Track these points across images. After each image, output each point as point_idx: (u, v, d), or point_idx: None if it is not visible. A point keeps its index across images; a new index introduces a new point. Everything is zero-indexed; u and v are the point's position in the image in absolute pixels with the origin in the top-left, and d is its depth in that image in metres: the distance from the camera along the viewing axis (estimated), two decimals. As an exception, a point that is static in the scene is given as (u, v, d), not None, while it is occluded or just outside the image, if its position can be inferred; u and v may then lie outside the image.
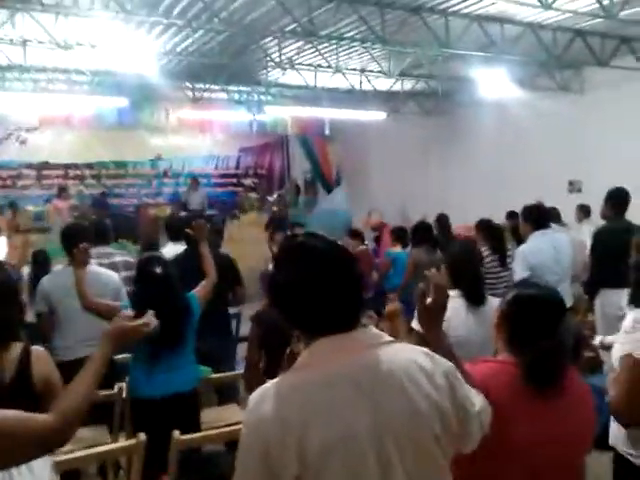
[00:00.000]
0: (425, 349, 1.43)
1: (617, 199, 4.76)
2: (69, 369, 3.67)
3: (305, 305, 1.34)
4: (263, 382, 1.38)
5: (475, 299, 2.87)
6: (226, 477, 2.77)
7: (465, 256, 3.10)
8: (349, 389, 1.28)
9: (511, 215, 6.86)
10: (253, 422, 1.30)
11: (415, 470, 1.29)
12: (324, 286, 1.33)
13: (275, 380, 1.35)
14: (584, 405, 1.78)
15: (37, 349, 2.18)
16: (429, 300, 1.60)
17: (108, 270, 4.20)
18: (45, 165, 13.20)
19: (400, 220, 9.91)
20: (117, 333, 1.77)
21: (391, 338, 1.39)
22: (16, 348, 2.03)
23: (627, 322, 2.11)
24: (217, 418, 3.47)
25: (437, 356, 1.41)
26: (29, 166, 13.08)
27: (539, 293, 1.83)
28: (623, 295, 3.95)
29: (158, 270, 3.25)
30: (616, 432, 2.17)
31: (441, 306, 1.62)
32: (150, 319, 1.84)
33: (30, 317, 4.48)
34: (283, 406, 1.27)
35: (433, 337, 1.60)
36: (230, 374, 3.93)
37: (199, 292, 3.49)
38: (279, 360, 3.13)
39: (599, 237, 4.86)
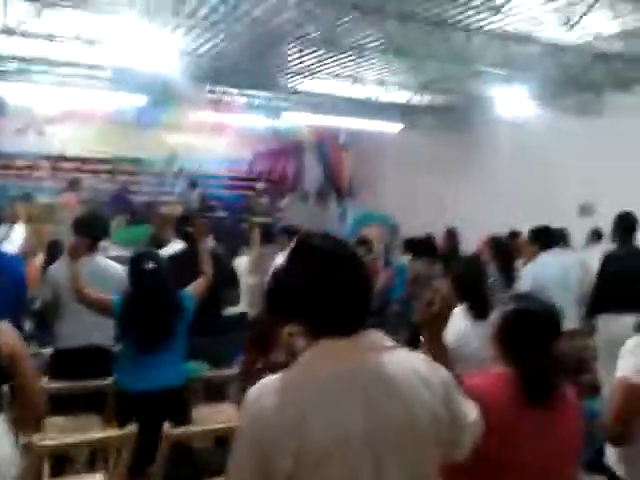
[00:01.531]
0: (425, 356, 1.45)
1: (625, 224, 4.72)
2: (72, 357, 3.75)
3: (312, 305, 1.35)
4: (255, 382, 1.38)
5: (481, 312, 2.87)
6: (214, 473, 2.78)
7: (469, 270, 3.11)
8: (348, 391, 1.29)
9: (512, 235, 6.84)
10: (251, 415, 1.31)
11: (408, 474, 1.30)
12: (333, 288, 1.33)
13: (275, 376, 1.35)
14: (574, 420, 1.81)
15: (1, 324, 2.17)
16: (433, 309, 1.62)
17: (114, 263, 4.22)
18: (61, 158, 13.34)
19: (411, 233, 9.89)
20: None
21: (393, 343, 1.40)
22: None
23: (628, 345, 2.11)
24: (208, 416, 3.48)
25: (436, 364, 1.43)
26: (45, 157, 13.22)
27: (535, 307, 1.84)
28: (626, 320, 3.94)
29: (149, 266, 3.25)
30: (610, 452, 2.16)
31: (444, 316, 1.65)
32: None
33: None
34: (282, 402, 1.27)
35: (434, 346, 1.61)
36: (223, 373, 3.94)
37: (193, 289, 3.48)
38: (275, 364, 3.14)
39: (606, 262, 4.83)
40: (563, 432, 1.74)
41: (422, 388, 1.34)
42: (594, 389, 4.54)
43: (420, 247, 5.90)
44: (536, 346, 1.77)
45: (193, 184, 13.32)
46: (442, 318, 1.64)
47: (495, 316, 1.93)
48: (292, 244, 1.45)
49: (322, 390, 1.29)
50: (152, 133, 13.43)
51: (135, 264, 3.33)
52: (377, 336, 1.40)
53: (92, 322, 3.75)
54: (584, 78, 8.30)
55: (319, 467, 1.24)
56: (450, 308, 1.67)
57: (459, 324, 2.78)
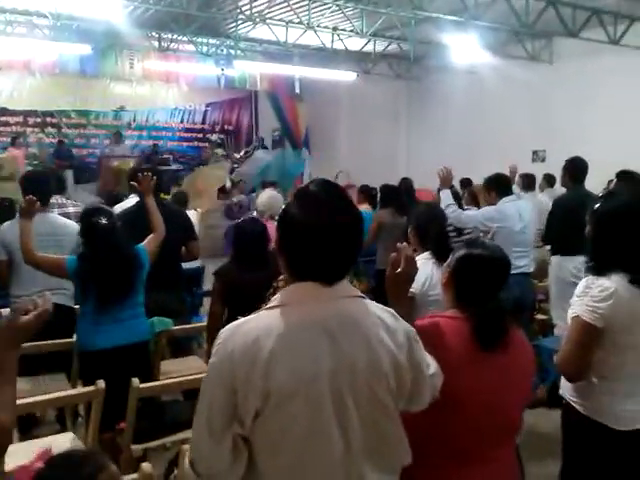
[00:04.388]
0: (391, 309, 1.49)
1: (575, 168, 4.85)
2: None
3: (299, 246, 1.38)
4: None
5: (444, 256, 2.90)
6: (182, 424, 2.84)
7: (430, 216, 3.15)
8: (317, 333, 1.34)
9: (465, 183, 6.97)
10: (222, 354, 1.35)
11: (368, 416, 1.37)
12: (323, 232, 1.35)
13: (248, 317, 1.39)
14: (525, 363, 1.88)
15: None
16: (399, 270, 1.66)
17: (68, 220, 4.11)
18: (4, 111, 12.73)
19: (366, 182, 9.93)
20: (9, 335, 1.58)
21: (362, 294, 1.46)
22: None
23: (580, 287, 2.21)
24: (175, 369, 3.51)
25: (400, 318, 1.48)
26: (-14, 112, 12.62)
27: (486, 253, 1.88)
28: (576, 262, 4.11)
29: (103, 221, 3.16)
30: (564, 385, 2.29)
31: (410, 277, 1.69)
32: (44, 303, 1.65)
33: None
34: (253, 342, 1.31)
35: (399, 304, 1.64)
36: (190, 326, 3.95)
37: (146, 245, 3.41)
38: (243, 314, 3.13)
39: (556, 205, 4.98)
40: (513, 374, 1.81)
41: (386, 336, 1.40)
42: (547, 328, 4.78)
43: (384, 196, 5.91)
44: (485, 291, 1.82)
45: (119, 136, 12.93)
46: (407, 278, 1.69)
47: (448, 261, 1.98)
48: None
49: (292, 333, 1.33)
50: (98, 84, 12.93)
51: (88, 220, 3.24)
52: (348, 285, 1.45)
53: (49, 281, 3.68)
54: (535, 25, 8.33)
55: (285, 405, 1.30)
56: (415, 269, 1.71)
57: (425, 270, 2.83)
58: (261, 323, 1.36)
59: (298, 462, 1.33)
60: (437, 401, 1.59)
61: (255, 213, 4.96)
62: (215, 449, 1.32)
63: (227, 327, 1.39)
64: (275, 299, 1.41)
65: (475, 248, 1.92)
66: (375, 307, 1.46)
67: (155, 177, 3.79)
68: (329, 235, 1.35)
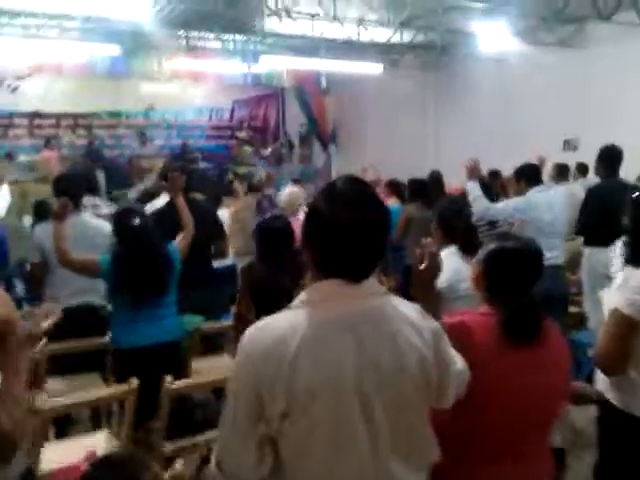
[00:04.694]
0: (418, 306, 1.48)
1: (609, 158, 4.72)
2: (66, 316, 3.73)
3: (325, 243, 1.36)
4: None
5: (471, 250, 2.86)
6: (213, 423, 2.86)
7: (454, 210, 3.09)
8: (342, 332, 1.33)
9: (494, 174, 6.85)
10: (245, 354, 1.35)
11: (395, 414, 1.36)
12: (358, 232, 1.34)
13: (273, 316, 1.38)
14: (560, 358, 1.83)
15: None
16: (423, 266, 1.65)
17: (101, 221, 4.18)
18: (37, 114, 13.00)
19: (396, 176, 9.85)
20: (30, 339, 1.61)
21: (386, 290, 1.45)
22: None
23: (618, 278, 2.16)
24: (206, 367, 3.54)
25: (427, 315, 1.47)
26: (21, 115, 12.88)
27: (518, 246, 1.84)
28: (609, 253, 4.01)
29: (135, 222, 3.22)
30: (601, 380, 2.25)
31: (434, 273, 1.67)
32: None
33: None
34: (278, 342, 1.31)
35: (426, 300, 1.63)
36: (221, 325, 3.98)
37: (177, 244, 3.46)
38: (269, 313, 3.13)
39: (590, 195, 4.87)
40: (549, 370, 1.77)
41: (413, 334, 1.39)
42: (580, 321, 4.68)
43: (412, 190, 5.84)
44: (518, 286, 1.78)
45: (142, 136, 13.05)
46: (432, 274, 1.67)
47: (478, 256, 1.93)
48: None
49: (317, 331, 1.32)
50: (127, 84, 13.09)
51: (121, 221, 3.30)
52: (374, 283, 1.43)
53: (82, 282, 3.75)
54: (565, 10, 8.13)
55: (311, 405, 1.28)
56: (439, 265, 1.69)
57: (450, 265, 2.78)
58: (286, 322, 1.35)
59: (326, 462, 1.32)
60: (467, 398, 1.58)
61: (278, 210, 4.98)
62: (241, 450, 1.32)
63: (252, 326, 1.38)
64: (300, 297, 1.40)
65: (507, 241, 1.88)
66: (402, 304, 1.45)
67: (185, 176, 3.85)
68: (356, 233, 1.34)
